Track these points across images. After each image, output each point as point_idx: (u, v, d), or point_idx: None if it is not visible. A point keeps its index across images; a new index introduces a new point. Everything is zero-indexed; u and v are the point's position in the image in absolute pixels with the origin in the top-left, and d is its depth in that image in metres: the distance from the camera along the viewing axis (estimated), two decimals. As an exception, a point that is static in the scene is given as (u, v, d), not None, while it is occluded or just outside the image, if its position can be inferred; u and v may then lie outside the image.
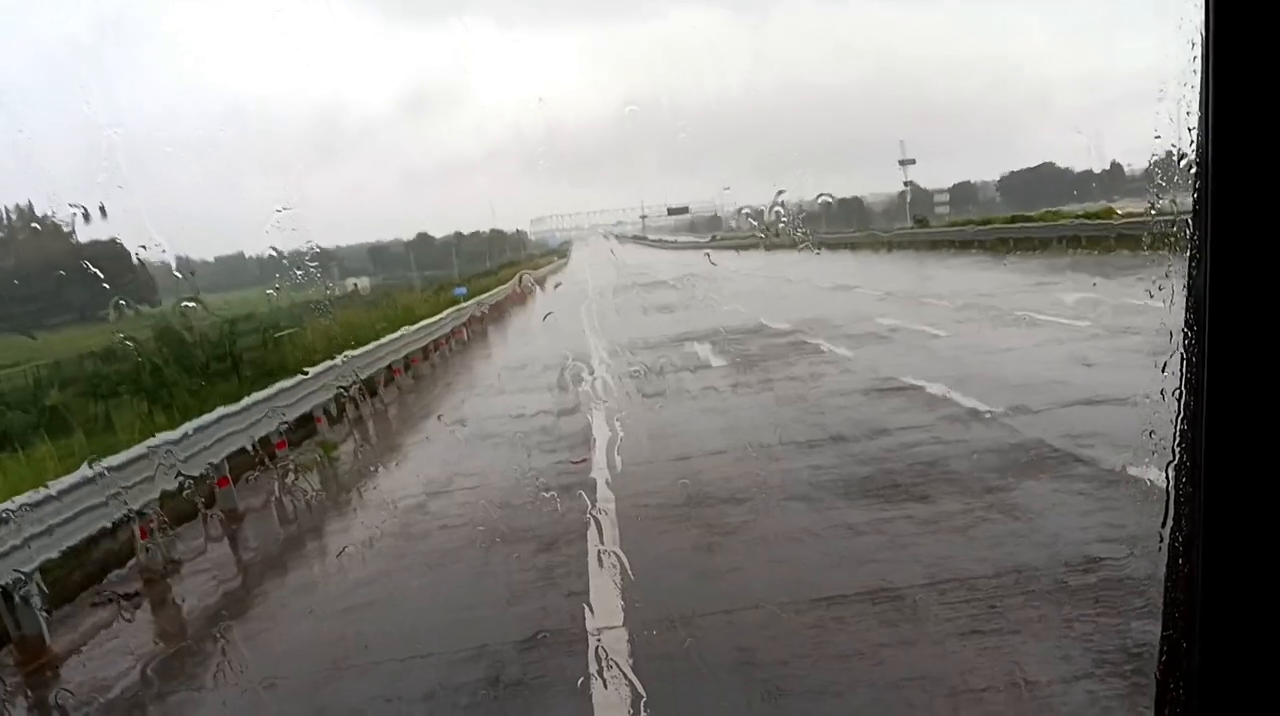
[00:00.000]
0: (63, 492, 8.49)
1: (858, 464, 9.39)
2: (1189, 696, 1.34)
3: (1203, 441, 1.23)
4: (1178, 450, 1.37)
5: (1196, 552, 1.28)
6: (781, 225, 12.09)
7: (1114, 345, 13.58)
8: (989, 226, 38.41)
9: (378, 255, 52.38)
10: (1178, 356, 1.33)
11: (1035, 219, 35.36)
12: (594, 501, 9.18)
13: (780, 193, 11.36)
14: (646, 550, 7.72)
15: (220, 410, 11.85)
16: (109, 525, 8.99)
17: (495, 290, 38.32)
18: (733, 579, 7.00)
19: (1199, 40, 1.17)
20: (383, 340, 19.87)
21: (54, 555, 8.27)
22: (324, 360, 16.12)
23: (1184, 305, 1.30)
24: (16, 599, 7.71)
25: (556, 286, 46.99)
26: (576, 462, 11.03)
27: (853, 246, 46.77)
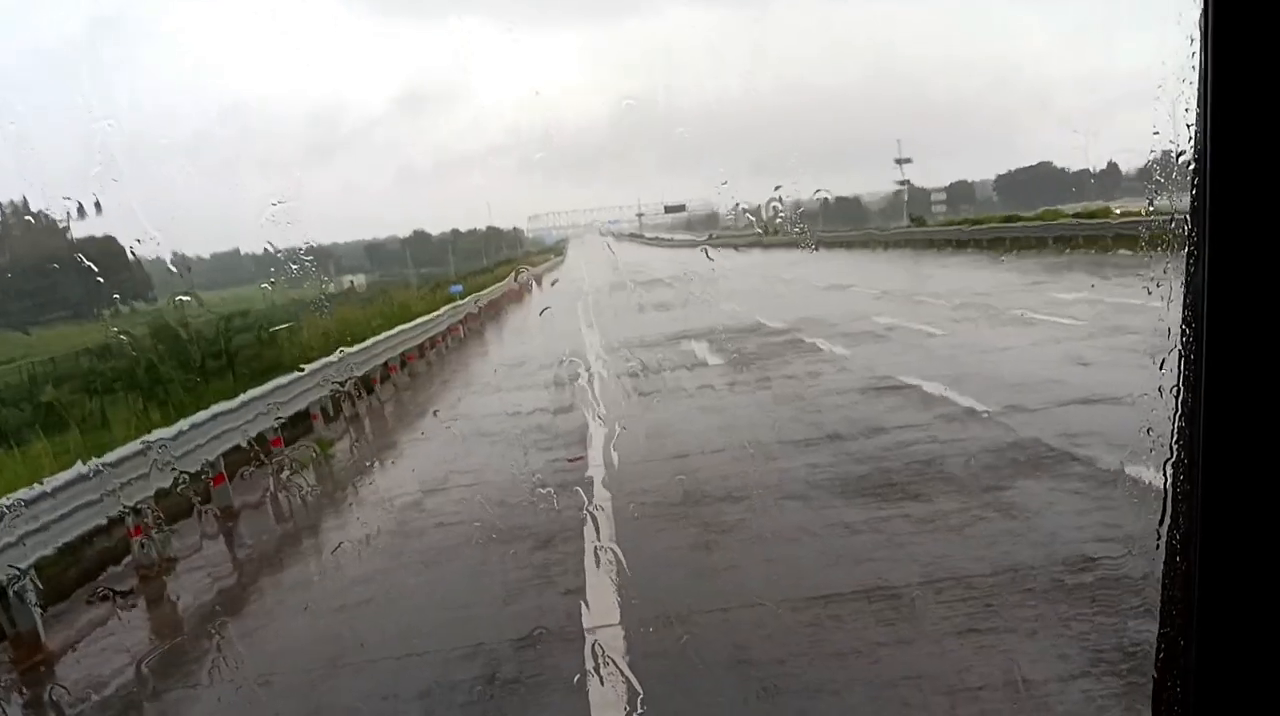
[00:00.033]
0: (58, 489, 8.47)
1: (854, 462, 9.39)
2: (1186, 694, 1.33)
3: (1201, 439, 1.23)
4: (1175, 448, 1.37)
5: (1194, 550, 1.28)
6: (779, 221, 12.09)
7: (1110, 344, 13.60)
8: (985, 225, 38.46)
9: (374, 252, 52.37)
10: (1175, 354, 1.32)
11: (1033, 218, 35.39)
12: (590, 499, 9.18)
13: (777, 188, 11.35)
14: (643, 548, 7.72)
15: (216, 407, 11.83)
16: (104, 522, 8.98)
17: (492, 288, 38.30)
18: (729, 577, 7.00)
19: (1198, 36, 1.17)
20: (379, 337, 19.86)
21: (49, 552, 8.26)
22: (320, 357, 16.11)
23: (1182, 302, 1.30)
24: (11, 595, 7.69)
25: (553, 284, 46.98)
26: (573, 460, 11.02)
27: (849, 245, 46.82)
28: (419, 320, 24.06)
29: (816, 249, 34.57)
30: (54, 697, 7.18)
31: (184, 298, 14.10)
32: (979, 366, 13.46)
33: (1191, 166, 1.23)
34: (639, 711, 5.19)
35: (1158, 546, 1.46)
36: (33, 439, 12.37)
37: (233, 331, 18.93)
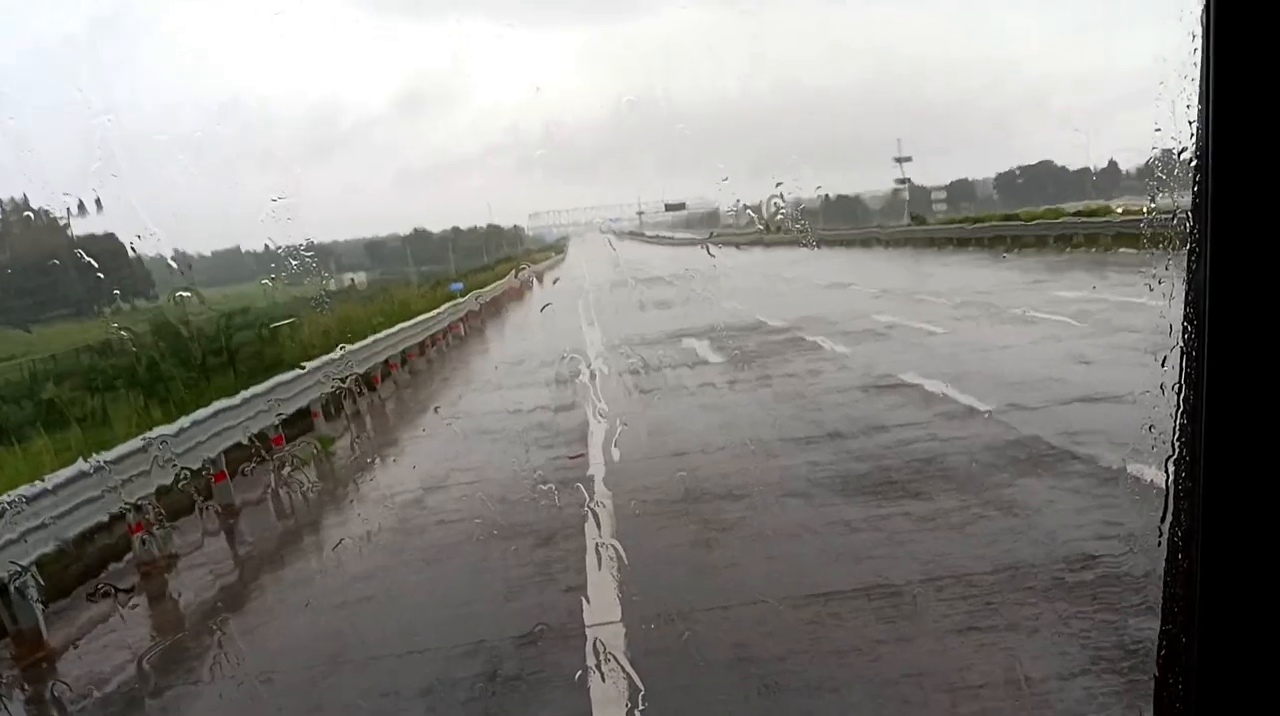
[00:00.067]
0: (59, 486, 8.48)
1: (855, 460, 9.39)
2: (1188, 691, 1.34)
3: (1202, 436, 1.23)
4: (1177, 445, 1.37)
5: (1195, 547, 1.28)
6: (780, 219, 12.09)
7: (1111, 342, 13.60)
8: (986, 224, 38.41)
9: (375, 250, 52.31)
10: (1177, 351, 1.33)
11: (1034, 217, 35.36)
12: (591, 495, 9.18)
13: (778, 185, 11.35)
14: (644, 545, 7.73)
15: (217, 404, 11.83)
16: (106, 518, 8.98)
17: (492, 285, 38.25)
18: (730, 574, 7.00)
19: (1199, 33, 1.17)
20: (379, 335, 19.85)
21: (50, 548, 8.26)
22: (321, 354, 16.11)
23: (1183, 300, 1.30)
24: (13, 592, 7.70)
25: (554, 282, 46.95)
26: (574, 458, 11.03)
27: (850, 243, 46.79)
28: (420, 318, 24.03)
29: (817, 247, 34.53)
30: (56, 694, 7.19)
31: (184, 294, 14.09)
32: (980, 365, 13.46)
33: (1193, 163, 1.23)
34: (640, 708, 5.20)
35: (1159, 543, 1.46)
36: (34, 436, 12.37)
37: (233, 328, 18.91)
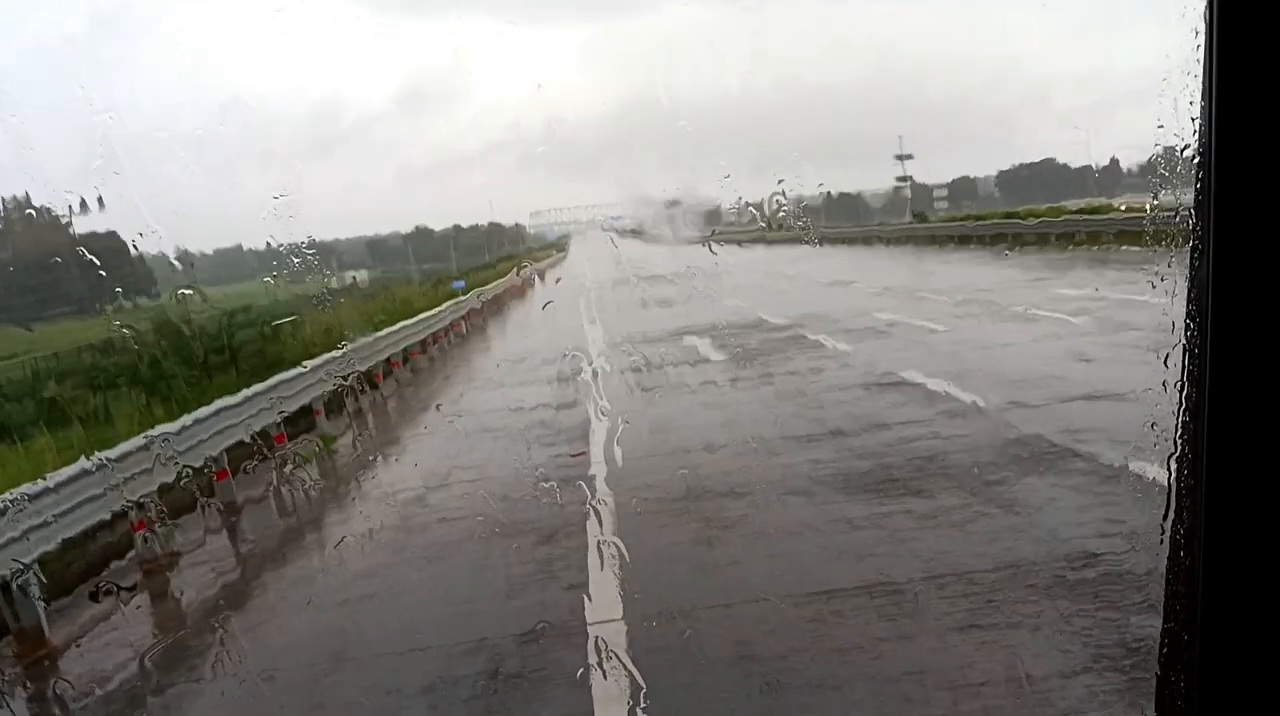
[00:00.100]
0: (61, 485, 8.49)
1: (856, 458, 9.39)
2: (1190, 689, 1.34)
3: (1204, 434, 1.23)
4: (1179, 442, 1.37)
5: (1198, 545, 1.28)
6: (781, 215, 12.08)
7: (1113, 340, 13.59)
8: (988, 222, 38.37)
9: (376, 248, 52.27)
10: (1179, 348, 1.32)
11: (1036, 214, 35.29)
12: (593, 493, 9.18)
13: (780, 183, 11.35)
14: (646, 543, 7.73)
15: (219, 402, 11.83)
16: (108, 517, 8.99)
17: (494, 284, 38.24)
18: (732, 572, 7.00)
19: (1202, 29, 1.17)
20: (381, 333, 19.86)
21: (52, 547, 8.27)
22: (323, 352, 16.11)
23: (1186, 297, 1.30)
24: (15, 590, 7.70)
25: (556, 280, 46.97)
26: (575, 455, 11.03)
27: (852, 241, 46.75)
28: (422, 315, 24.04)
29: (819, 245, 34.47)
30: (58, 692, 7.19)
31: (186, 292, 14.11)
32: (981, 362, 13.45)
33: (1196, 160, 1.23)
34: (642, 706, 5.20)
35: (1161, 541, 1.46)
36: (36, 434, 12.38)
37: (235, 326, 18.93)
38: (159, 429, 10.46)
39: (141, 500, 9.33)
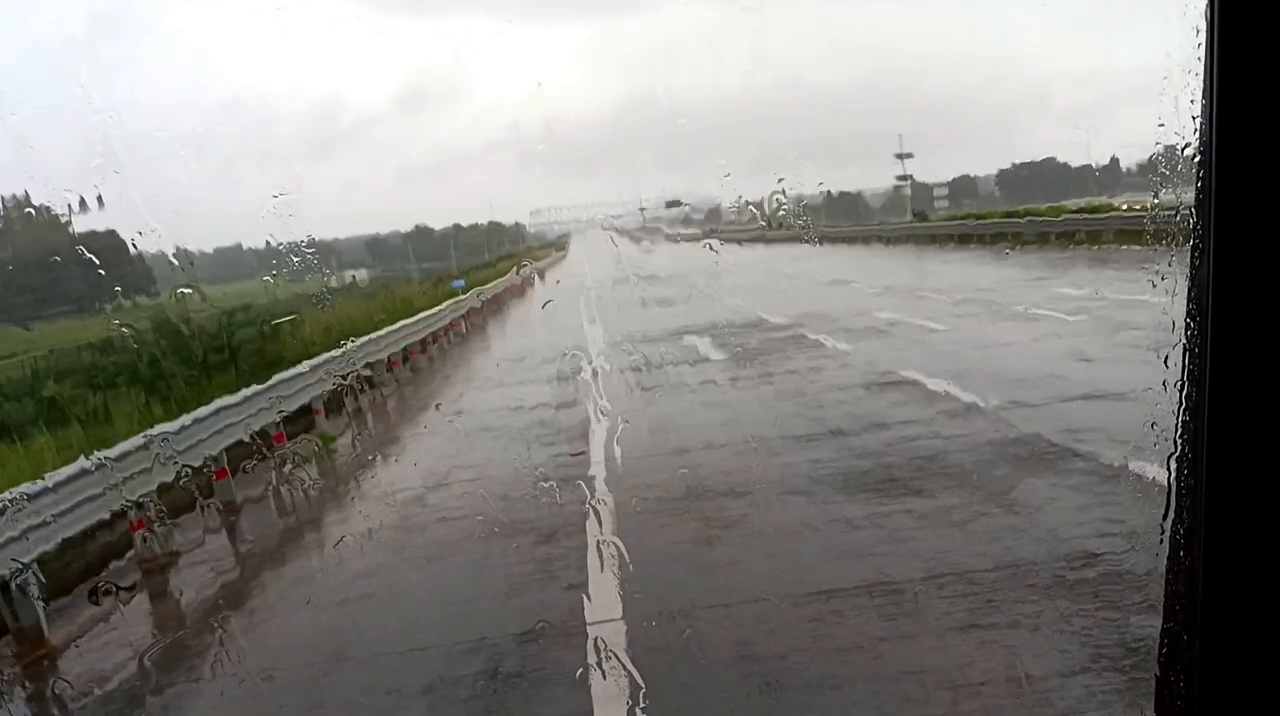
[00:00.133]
0: (60, 484, 8.48)
1: (856, 458, 9.39)
2: (1190, 689, 1.33)
3: (1204, 433, 1.22)
4: (1179, 442, 1.36)
5: (1198, 545, 1.28)
6: (782, 214, 12.08)
7: (1113, 340, 13.59)
8: (988, 221, 38.38)
9: (376, 248, 52.29)
10: (1180, 348, 1.32)
11: (1037, 213, 35.29)
12: (593, 493, 9.18)
13: (780, 182, 11.35)
14: (645, 543, 7.73)
15: (218, 402, 11.83)
16: (107, 516, 8.98)
17: (493, 283, 38.23)
18: (731, 572, 7.00)
19: (1203, 28, 1.16)
20: (380, 332, 19.85)
21: (52, 546, 8.27)
22: (322, 352, 16.10)
23: (1186, 296, 1.29)
24: (14, 590, 7.70)
25: (556, 280, 47.00)
26: (575, 455, 11.03)
27: (852, 240, 46.78)
28: (421, 315, 24.04)
29: (819, 244, 34.52)
30: (57, 692, 7.19)
31: (186, 291, 14.09)
32: (981, 362, 13.45)
33: (1196, 159, 1.23)
34: (641, 706, 5.20)
35: (1161, 541, 1.45)
36: (35, 433, 12.37)
37: (235, 325, 18.93)
38: (158, 428, 10.45)
39: (141, 500, 9.33)
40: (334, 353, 16.12)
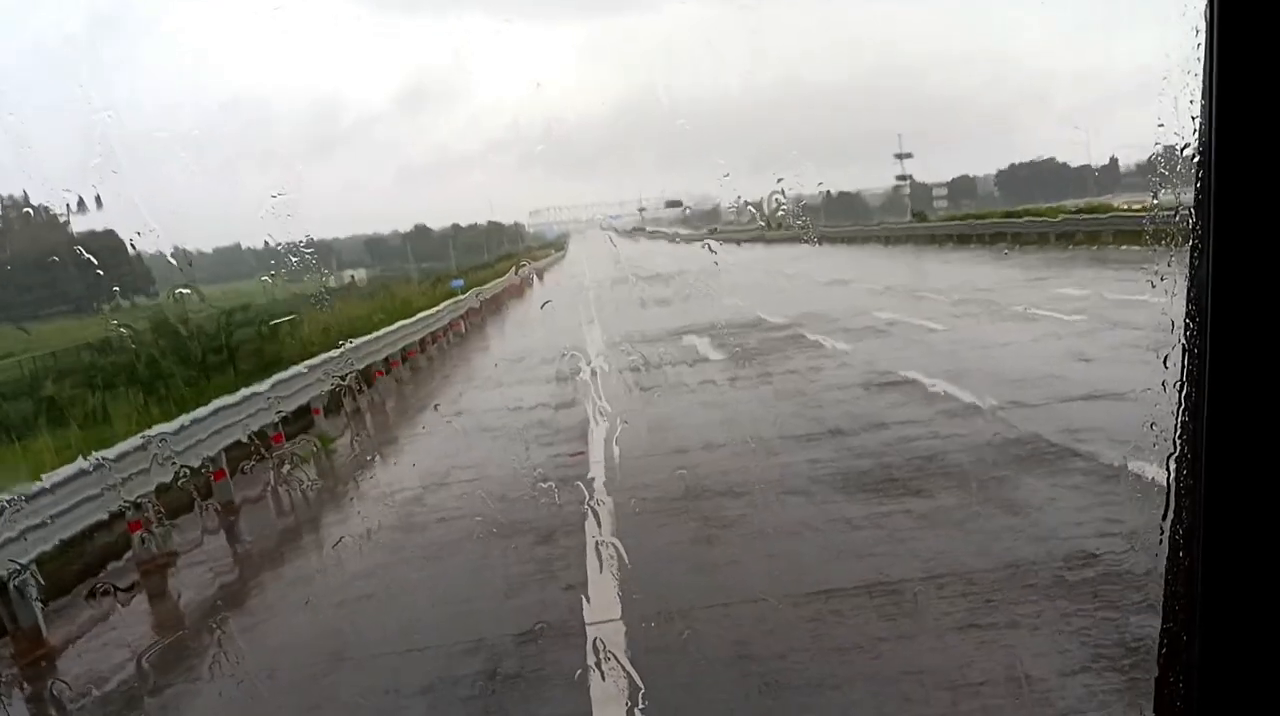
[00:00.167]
0: (58, 485, 8.48)
1: (855, 458, 9.38)
2: (1189, 689, 1.33)
3: (1204, 434, 1.22)
4: (1178, 442, 1.36)
5: (1197, 545, 1.27)
6: (781, 214, 12.08)
7: (1112, 340, 13.59)
8: (987, 221, 38.39)
9: (375, 247, 52.31)
10: (1179, 348, 1.32)
11: (1037, 213, 35.31)
12: (591, 493, 9.18)
13: (780, 181, 11.34)
14: (644, 543, 7.72)
15: (217, 402, 11.83)
16: (105, 517, 8.98)
17: (493, 283, 38.24)
18: (730, 572, 7.00)
19: (1202, 28, 1.16)
20: (380, 332, 19.85)
21: (50, 547, 8.26)
22: (321, 351, 16.10)
23: (1185, 297, 1.29)
24: (13, 590, 7.69)
25: (555, 280, 46.99)
26: (574, 455, 11.02)
27: (851, 240, 46.79)
28: (420, 315, 24.04)
29: (818, 244, 34.51)
30: (55, 693, 7.18)
31: (184, 292, 14.09)
32: (980, 362, 13.45)
33: (1196, 159, 1.23)
34: (640, 706, 5.19)
35: (1161, 541, 1.45)
36: (33, 433, 12.37)
37: (234, 326, 18.93)
38: (156, 429, 10.45)
39: (139, 500, 9.33)
40: (333, 353, 16.12)
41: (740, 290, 26.57)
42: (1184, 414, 1.32)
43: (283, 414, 13.38)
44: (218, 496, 11.15)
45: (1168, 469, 1.41)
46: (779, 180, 11.34)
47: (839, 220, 51.65)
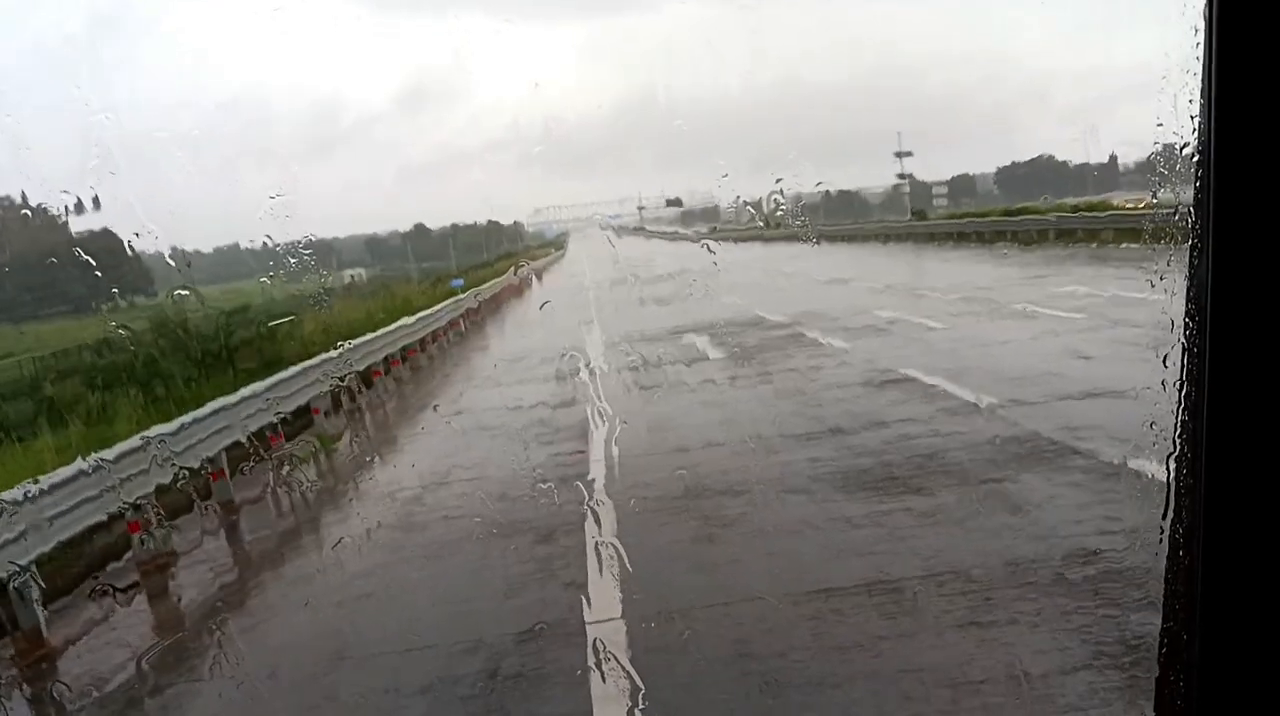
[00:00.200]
0: (56, 486, 8.48)
1: (855, 456, 9.38)
2: (1189, 688, 1.33)
3: (1204, 433, 1.22)
4: (1178, 441, 1.36)
5: (1197, 544, 1.27)
6: (780, 214, 12.08)
7: (1112, 338, 13.59)
8: (987, 219, 38.38)
9: (375, 247, 52.33)
10: (1179, 347, 1.32)
11: (1037, 211, 35.30)
12: (591, 493, 9.18)
13: (778, 181, 11.35)
14: (644, 542, 7.72)
15: (215, 402, 11.83)
16: (105, 518, 8.98)
17: (492, 282, 38.28)
18: (731, 571, 7.00)
19: (1201, 27, 1.16)
20: (379, 332, 19.86)
21: (50, 548, 8.26)
22: (321, 352, 16.11)
23: (1185, 296, 1.29)
24: (13, 591, 7.69)
25: (555, 279, 47.00)
26: (573, 455, 11.02)
27: (850, 239, 46.80)
28: (420, 314, 24.07)
29: (817, 243, 34.55)
30: (55, 694, 7.19)
31: (182, 292, 14.09)
32: (980, 360, 13.45)
33: (1195, 158, 1.22)
34: (641, 706, 5.19)
35: (1161, 540, 1.45)
36: (31, 434, 12.37)
37: (233, 326, 18.93)
38: (155, 429, 10.45)
39: (138, 501, 9.33)
40: (332, 353, 16.12)
41: (739, 289, 26.57)
42: (1184, 413, 1.32)
43: (281, 414, 13.38)
44: (217, 496, 11.15)
45: (1168, 468, 1.41)
46: (778, 180, 11.35)
47: (839, 219, 51.70)
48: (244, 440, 11.94)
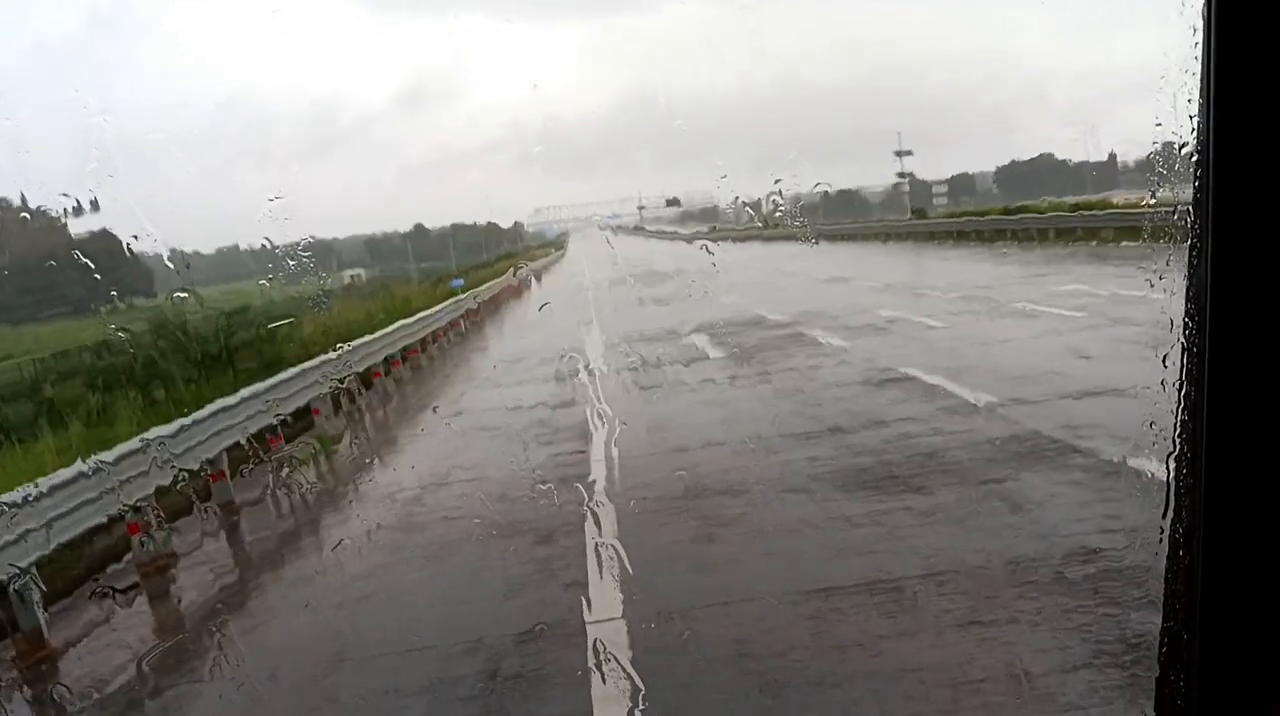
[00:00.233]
0: (56, 487, 8.47)
1: (855, 455, 9.38)
2: (1189, 687, 1.33)
3: (1203, 432, 1.22)
4: (1178, 441, 1.36)
5: (1197, 544, 1.27)
6: (779, 214, 12.08)
7: (1111, 337, 13.59)
8: (986, 218, 38.40)
9: (374, 247, 52.36)
10: (1178, 347, 1.32)
11: (1037, 210, 35.31)
12: (591, 494, 9.17)
13: (777, 181, 11.35)
14: (644, 542, 7.72)
15: (215, 404, 11.82)
16: (105, 520, 8.97)
17: (492, 282, 38.27)
18: (730, 571, 6.99)
19: (1200, 27, 1.16)
20: (379, 333, 19.85)
21: (50, 550, 8.25)
22: (321, 353, 16.10)
23: (1184, 295, 1.29)
24: (13, 593, 7.69)
25: (554, 279, 47.00)
26: (574, 455, 11.02)
27: (850, 238, 46.80)
28: (420, 315, 24.06)
29: (817, 242, 34.58)
30: (56, 696, 7.18)
31: (182, 294, 14.07)
32: (980, 359, 13.44)
33: (1194, 158, 1.22)
34: (641, 706, 5.19)
35: (1161, 539, 1.45)
36: (31, 436, 12.36)
37: (232, 327, 18.92)
38: (155, 431, 10.44)
39: (138, 503, 9.32)
40: (331, 354, 16.11)
41: (739, 288, 26.56)
42: (1183, 412, 1.32)
43: (282, 416, 13.37)
44: (217, 498, 11.14)
45: (1167, 467, 1.41)
46: (777, 180, 11.35)
47: (839, 218, 51.72)
48: (244, 442, 11.94)
